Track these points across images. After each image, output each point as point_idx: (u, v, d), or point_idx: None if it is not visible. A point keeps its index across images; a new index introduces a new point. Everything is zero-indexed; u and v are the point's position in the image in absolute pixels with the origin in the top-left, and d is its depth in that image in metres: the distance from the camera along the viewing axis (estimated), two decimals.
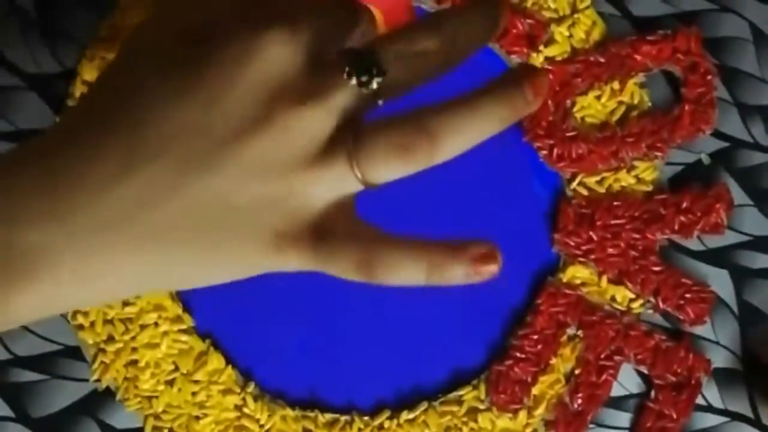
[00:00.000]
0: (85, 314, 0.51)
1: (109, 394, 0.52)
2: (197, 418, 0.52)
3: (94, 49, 0.52)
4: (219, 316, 0.53)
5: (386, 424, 0.53)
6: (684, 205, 0.54)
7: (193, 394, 0.52)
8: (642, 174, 0.54)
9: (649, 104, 0.55)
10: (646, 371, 0.54)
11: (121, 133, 0.27)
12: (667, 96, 0.55)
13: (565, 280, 0.54)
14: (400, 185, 0.53)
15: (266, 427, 0.52)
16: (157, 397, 0.52)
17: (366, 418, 0.53)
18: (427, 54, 0.30)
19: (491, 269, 0.31)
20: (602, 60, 0.54)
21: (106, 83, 0.29)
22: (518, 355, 0.53)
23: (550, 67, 0.54)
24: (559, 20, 0.54)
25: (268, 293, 0.53)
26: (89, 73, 0.52)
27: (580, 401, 0.53)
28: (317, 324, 0.53)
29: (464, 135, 0.30)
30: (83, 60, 0.52)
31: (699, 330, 0.54)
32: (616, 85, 0.54)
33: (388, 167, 0.29)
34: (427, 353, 0.53)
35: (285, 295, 0.53)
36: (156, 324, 0.52)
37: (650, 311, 0.54)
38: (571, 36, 0.54)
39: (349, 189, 0.30)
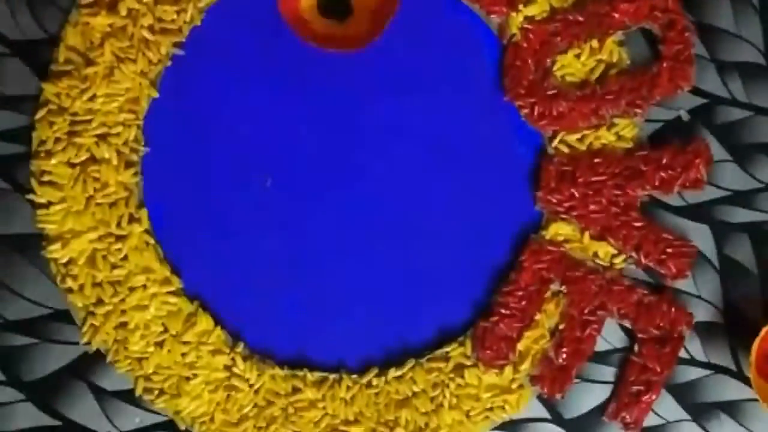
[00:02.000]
0: (74, 277, 0.52)
1: (99, 356, 0.53)
2: (187, 378, 0.52)
3: (76, 15, 0.52)
4: (207, 277, 0.53)
5: (374, 382, 0.53)
6: (664, 161, 0.54)
7: (183, 355, 0.52)
8: (622, 131, 0.55)
9: (628, 62, 0.55)
10: (629, 326, 0.54)
11: None
12: (645, 54, 0.56)
13: (548, 237, 0.54)
14: (385, 145, 0.54)
15: (256, 386, 0.53)
16: (147, 358, 0.52)
17: (354, 376, 0.53)
18: None
19: None
20: (581, 18, 0.54)
21: None
22: (503, 311, 0.53)
23: (529, 26, 0.54)
24: None
25: (255, 255, 0.53)
26: (73, 38, 0.52)
27: (564, 356, 0.53)
28: (305, 285, 0.54)
29: None
30: (66, 25, 0.53)
31: (681, 284, 0.55)
32: (595, 43, 0.55)
33: None
34: (413, 312, 0.54)
35: (273, 257, 0.53)
36: (144, 286, 0.52)
37: (632, 266, 0.55)
38: None
39: None
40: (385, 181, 0.54)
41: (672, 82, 0.55)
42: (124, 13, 0.52)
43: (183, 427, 0.53)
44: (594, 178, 0.54)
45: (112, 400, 0.53)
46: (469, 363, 0.54)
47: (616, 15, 0.55)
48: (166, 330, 0.52)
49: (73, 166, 0.52)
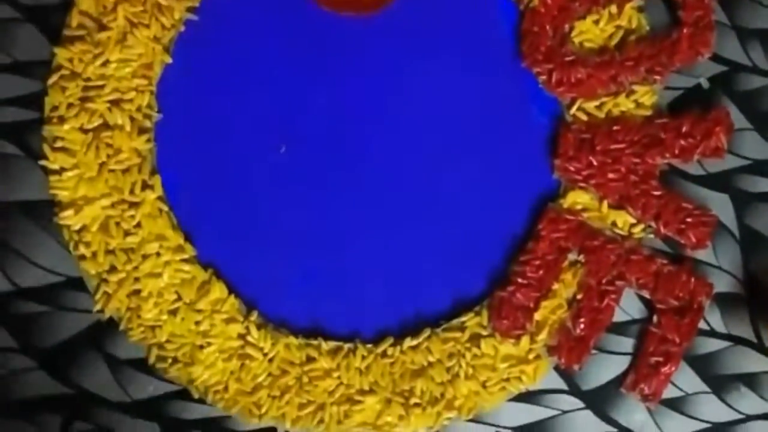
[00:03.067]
0: (87, 244, 0.51)
1: (112, 324, 0.52)
2: (201, 347, 0.52)
3: None
4: (220, 245, 0.53)
5: (389, 351, 0.53)
6: (684, 129, 0.54)
7: (197, 323, 0.52)
8: (641, 98, 0.54)
9: (647, 28, 0.55)
10: (648, 296, 0.54)
11: None
12: (665, 20, 0.55)
13: (565, 205, 0.54)
14: (402, 112, 0.53)
15: (270, 355, 0.52)
16: (160, 326, 0.52)
17: (369, 345, 0.53)
18: None
19: None
20: None
21: None
22: (520, 281, 0.53)
23: None
24: None
25: (270, 223, 0.53)
26: (85, 2, 0.52)
27: (582, 326, 0.53)
28: (320, 253, 0.53)
29: None
30: None
31: (700, 254, 0.54)
32: (614, 9, 0.54)
33: None
34: (429, 281, 0.54)
35: (287, 225, 0.53)
36: (158, 254, 0.52)
37: (651, 236, 0.54)
38: None
39: None
40: (402, 148, 0.54)
41: (692, 49, 0.54)
42: None
43: (196, 396, 0.52)
44: (613, 146, 0.53)
45: (125, 368, 0.52)
46: (485, 333, 0.53)
47: None
48: (179, 298, 0.52)
49: (85, 131, 0.52)
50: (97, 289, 0.52)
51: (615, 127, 0.54)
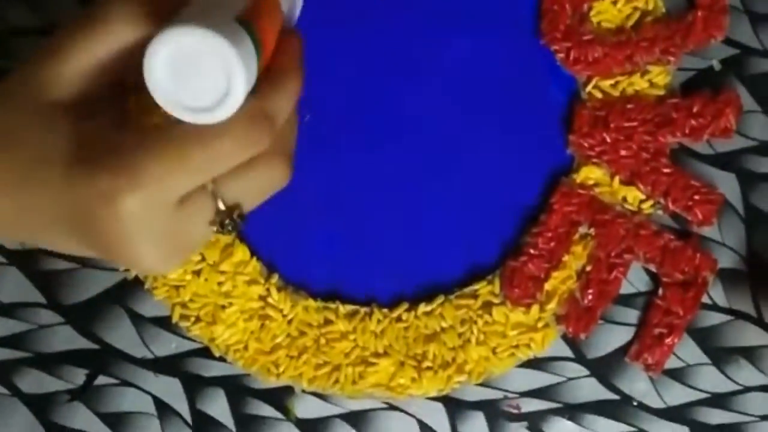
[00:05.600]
0: None
1: (137, 283, 0.54)
2: (223, 307, 0.53)
3: None
4: None
5: (404, 316, 0.54)
6: (695, 109, 0.55)
7: (219, 284, 0.53)
8: (655, 78, 0.56)
9: (663, 10, 0.56)
10: (654, 269, 0.55)
11: None
12: (680, 2, 0.56)
13: (578, 180, 0.55)
14: (421, 84, 0.54)
15: (289, 316, 0.54)
16: (184, 286, 0.53)
17: (385, 310, 0.54)
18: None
19: None
20: None
21: None
22: (532, 251, 0.55)
23: None
24: None
25: (291, 188, 0.54)
26: None
27: (590, 297, 0.55)
28: (339, 220, 0.55)
29: None
30: None
31: (706, 231, 0.56)
32: None
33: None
34: (444, 249, 0.55)
35: (308, 192, 0.54)
36: None
37: (660, 212, 0.56)
38: None
39: None
40: (420, 119, 0.55)
41: (705, 32, 0.56)
42: None
43: (217, 354, 0.54)
44: (626, 124, 0.55)
45: (149, 325, 0.54)
46: (497, 301, 0.55)
47: None
48: (203, 259, 0.53)
49: None
50: None
51: (629, 106, 0.55)
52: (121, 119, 0.36)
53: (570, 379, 0.56)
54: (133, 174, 0.32)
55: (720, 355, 0.56)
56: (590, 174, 0.55)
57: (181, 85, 0.31)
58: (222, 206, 0.35)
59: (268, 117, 0.34)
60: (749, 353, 0.56)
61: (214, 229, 0.36)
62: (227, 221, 0.36)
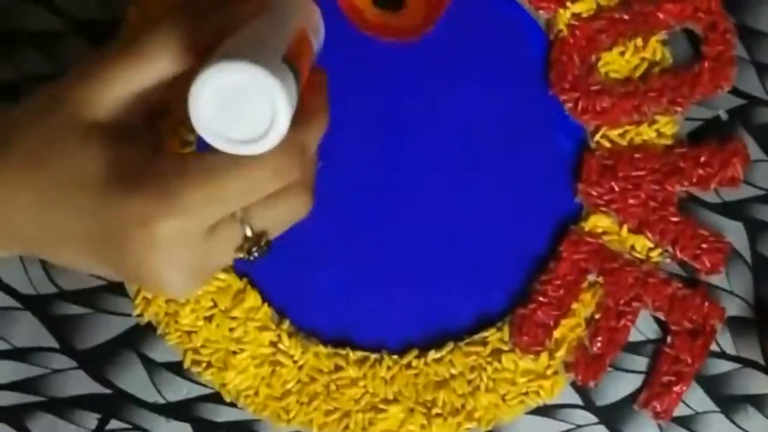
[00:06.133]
0: None
1: (150, 328, 0.54)
2: (234, 353, 0.54)
3: None
4: None
5: (414, 363, 0.55)
6: (702, 158, 0.56)
7: (231, 330, 0.54)
8: (663, 128, 0.56)
9: (671, 61, 0.57)
10: (663, 317, 0.56)
11: None
12: (687, 53, 0.57)
13: (587, 228, 0.56)
14: (432, 133, 0.55)
15: (300, 362, 0.54)
16: (196, 332, 0.54)
17: (395, 356, 0.55)
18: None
19: None
20: (626, 17, 0.56)
21: None
22: (541, 299, 0.55)
23: (576, 23, 0.56)
24: None
25: (302, 236, 0.54)
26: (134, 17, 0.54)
27: (599, 345, 0.55)
28: (350, 267, 0.55)
29: None
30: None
31: (714, 279, 0.56)
32: (639, 41, 0.56)
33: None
34: (454, 297, 0.56)
35: (319, 238, 0.55)
36: None
37: (668, 260, 0.56)
38: None
39: None
40: (430, 167, 0.56)
41: (713, 82, 0.56)
42: None
43: (228, 400, 0.54)
44: (634, 173, 0.56)
45: (161, 370, 0.54)
46: (506, 348, 0.55)
47: (661, 15, 0.56)
48: (215, 305, 0.54)
49: None
50: (136, 294, 0.54)
51: (637, 155, 0.56)
52: (157, 145, 0.37)
53: (579, 426, 0.56)
54: (171, 201, 0.33)
55: (728, 403, 0.56)
56: (599, 222, 0.56)
57: (225, 118, 0.32)
58: (250, 233, 0.36)
59: (300, 149, 0.35)
60: (757, 401, 0.56)
61: (241, 255, 0.36)
62: (254, 248, 0.36)
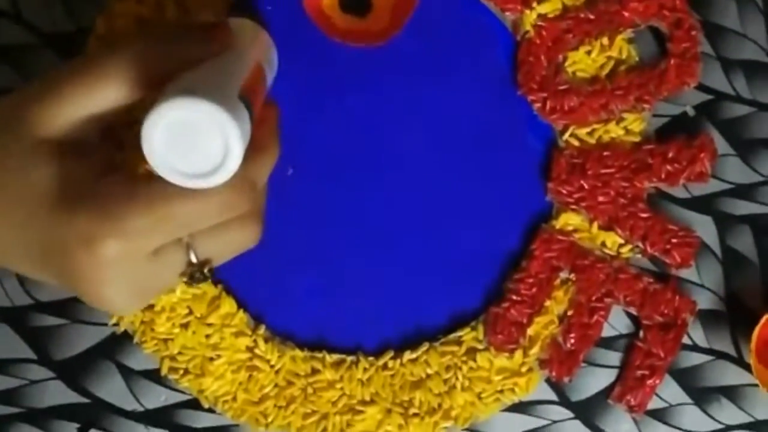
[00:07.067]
0: None
1: (126, 337, 0.55)
2: (211, 359, 0.54)
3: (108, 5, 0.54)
4: (230, 263, 0.54)
5: (390, 364, 0.55)
6: (670, 154, 0.56)
7: (207, 336, 0.54)
8: (630, 125, 0.57)
9: (637, 59, 0.57)
10: (634, 312, 0.56)
11: None
12: (653, 51, 0.58)
13: (558, 226, 0.56)
14: (403, 135, 0.56)
15: (276, 367, 0.55)
16: (172, 339, 0.54)
17: (371, 358, 0.55)
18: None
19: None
20: (592, 17, 0.56)
21: None
22: (514, 297, 0.56)
23: (542, 24, 0.56)
24: None
25: (276, 241, 0.55)
26: (102, 29, 0.54)
27: (572, 341, 0.56)
28: (323, 270, 0.56)
29: None
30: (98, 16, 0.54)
31: (685, 273, 0.57)
32: (605, 40, 0.57)
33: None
34: (428, 297, 0.56)
35: (292, 243, 0.56)
36: None
37: (639, 256, 0.57)
38: None
39: None
40: (400, 170, 0.56)
41: (679, 79, 0.57)
42: (151, 3, 0.54)
43: (206, 406, 0.55)
44: (603, 171, 0.56)
45: (139, 378, 0.55)
46: (481, 347, 0.56)
47: (626, 13, 0.57)
48: (191, 312, 0.54)
49: None
50: None
51: (605, 153, 0.56)
52: (108, 166, 0.37)
53: (555, 422, 0.56)
54: (116, 222, 0.33)
55: (701, 395, 0.57)
56: (569, 220, 0.56)
57: (178, 152, 0.32)
58: (194, 260, 0.36)
59: (250, 183, 0.36)
60: (730, 392, 0.57)
61: (184, 279, 0.37)
62: (197, 274, 0.37)
